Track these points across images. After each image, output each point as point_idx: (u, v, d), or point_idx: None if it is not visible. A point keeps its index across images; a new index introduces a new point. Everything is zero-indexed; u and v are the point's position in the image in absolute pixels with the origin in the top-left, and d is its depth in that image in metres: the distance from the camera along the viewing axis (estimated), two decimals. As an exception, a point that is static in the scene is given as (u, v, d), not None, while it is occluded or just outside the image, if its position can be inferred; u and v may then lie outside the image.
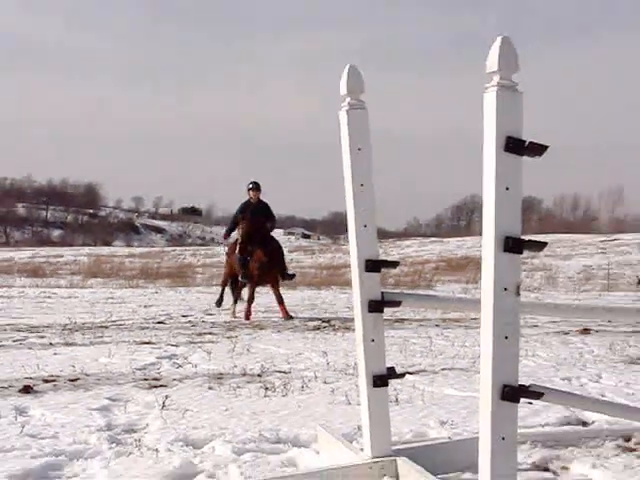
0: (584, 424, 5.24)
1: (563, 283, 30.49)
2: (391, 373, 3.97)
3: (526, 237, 3.01)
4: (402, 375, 4.25)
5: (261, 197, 14.21)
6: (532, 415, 5.40)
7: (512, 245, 2.96)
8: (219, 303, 14.93)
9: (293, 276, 14.55)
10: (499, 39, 3.03)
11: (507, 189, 2.98)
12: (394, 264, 4.03)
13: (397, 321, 12.23)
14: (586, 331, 10.79)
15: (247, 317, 13.42)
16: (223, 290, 15.11)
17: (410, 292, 7.64)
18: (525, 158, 3.04)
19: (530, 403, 5.47)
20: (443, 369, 7.35)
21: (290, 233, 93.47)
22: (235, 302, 14.37)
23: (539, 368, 7.49)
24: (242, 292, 14.58)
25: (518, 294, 3.03)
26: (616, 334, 10.47)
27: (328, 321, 12.36)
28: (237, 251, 14.13)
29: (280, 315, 13.46)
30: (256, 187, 14.09)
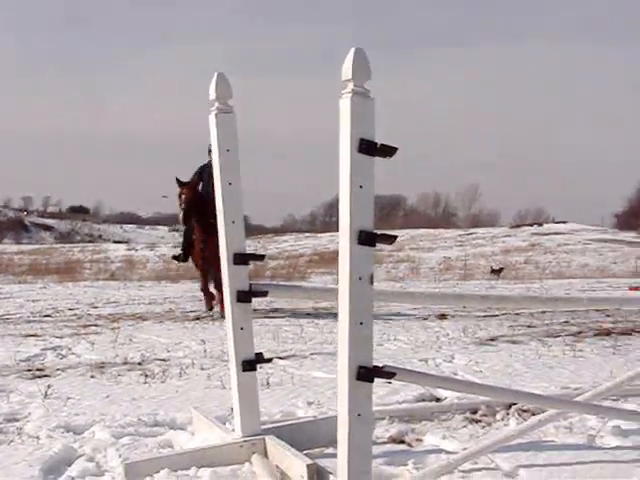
0: (437, 400, 5.38)
1: (425, 273, 31.19)
2: (259, 358, 4.00)
3: (379, 231, 3.07)
4: (270, 360, 4.29)
5: None
6: (391, 393, 5.51)
7: (365, 238, 3.00)
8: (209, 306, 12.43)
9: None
10: (352, 50, 3.07)
11: (361, 187, 3.02)
12: (260, 257, 4.05)
13: (272, 310, 12.24)
14: (443, 316, 11.06)
15: (211, 306, 12.09)
16: (206, 286, 12.31)
17: (276, 283, 7.69)
18: (378, 158, 3.10)
19: (389, 383, 5.58)
20: (312, 354, 7.42)
21: (174, 230, 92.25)
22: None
23: (400, 351, 7.65)
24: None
25: (371, 283, 3.08)
26: (469, 319, 10.77)
27: (209, 310, 12.28)
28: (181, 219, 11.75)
29: (218, 309, 11.35)
30: None
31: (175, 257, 13.10)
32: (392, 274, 29.18)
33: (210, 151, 10.27)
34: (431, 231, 64.43)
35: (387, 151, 3.11)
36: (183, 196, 11.21)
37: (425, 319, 10.78)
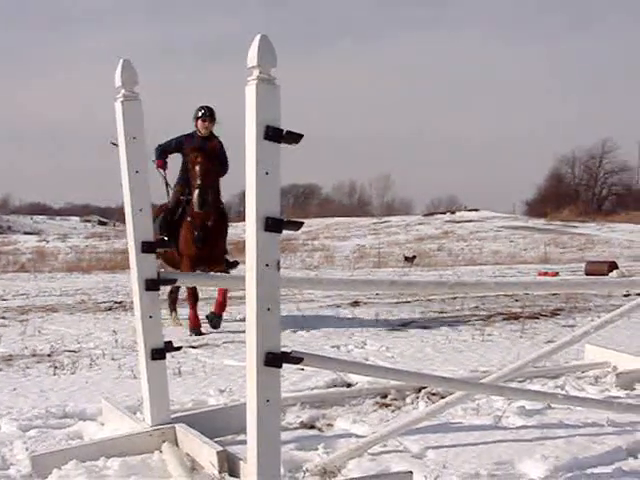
0: (349, 385, 5.44)
1: (340, 262, 31.37)
2: (169, 347, 3.99)
3: (285, 218, 3.09)
4: (179, 348, 4.28)
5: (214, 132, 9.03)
6: (304, 380, 5.56)
7: (272, 225, 3.02)
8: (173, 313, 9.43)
9: (236, 264, 8.91)
10: (258, 37, 3.08)
11: (267, 174, 3.03)
12: (169, 245, 4.04)
13: (184, 300, 12.14)
14: (356, 303, 11.17)
15: (195, 324, 8.42)
16: (172, 296, 9.54)
17: (184, 273, 7.64)
18: (284, 145, 3.12)
19: (302, 369, 5.62)
20: (225, 342, 7.42)
21: (87, 220, 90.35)
22: (174, 308, 9.41)
23: (312, 338, 7.71)
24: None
25: (278, 269, 3.10)
26: (382, 305, 10.90)
27: (120, 302, 12.10)
28: (168, 203, 8.92)
29: (212, 308, 8.94)
30: (210, 115, 8.87)
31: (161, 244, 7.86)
32: (307, 263, 29.26)
33: (199, 117, 8.81)
34: (345, 220, 64.84)
35: (293, 138, 3.13)
36: (197, 166, 8.10)
37: (338, 307, 10.86)
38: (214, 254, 8.48)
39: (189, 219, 8.29)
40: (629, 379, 5.50)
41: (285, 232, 3.14)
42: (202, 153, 8.15)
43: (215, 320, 8.63)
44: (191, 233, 8.22)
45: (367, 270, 24.58)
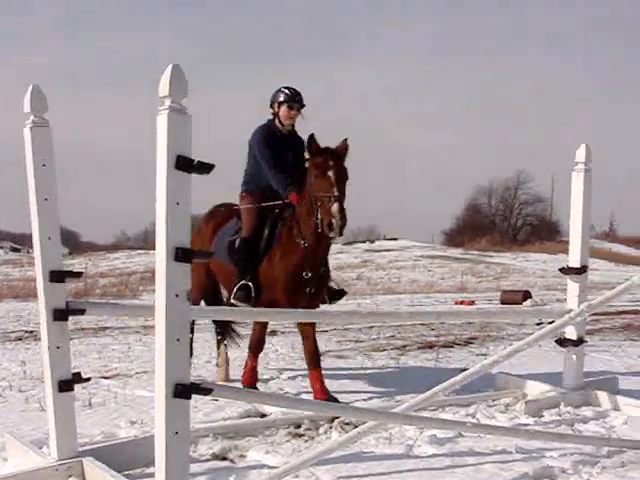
0: (263, 416, 5.43)
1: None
2: (77, 378, 3.92)
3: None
4: (88, 379, 4.20)
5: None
6: (217, 410, 5.53)
7: (181, 255, 3.02)
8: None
9: (343, 293, 6.80)
10: (170, 67, 3.09)
11: (177, 204, 3.04)
12: (78, 274, 3.98)
13: (100, 329, 11.96)
14: (273, 333, 11.14)
15: (251, 381, 6.43)
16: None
17: (94, 301, 7.53)
18: (195, 175, 3.13)
19: (216, 400, 5.59)
20: (138, 372, 7.31)
21: (16, 249, 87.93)
22: (224, 340, 7.29)
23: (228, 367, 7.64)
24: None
25: (188, 299, 3.09)
26: (299, 335, 10.83)
27: (31, 332, 11.82)
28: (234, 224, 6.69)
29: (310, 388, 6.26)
30: (298, 101, 6.44)
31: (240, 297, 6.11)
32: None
33: (283, 102, 6.33)
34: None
35: (204, 168, 3.14)
36: (330, 171, 5.87)
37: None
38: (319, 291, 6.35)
39: (303, 243, 6.03)
40: (537, 406, 5.64)
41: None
42: (332, 154, 5.97)
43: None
44: (302, 259, 6.07)
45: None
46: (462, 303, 19.99)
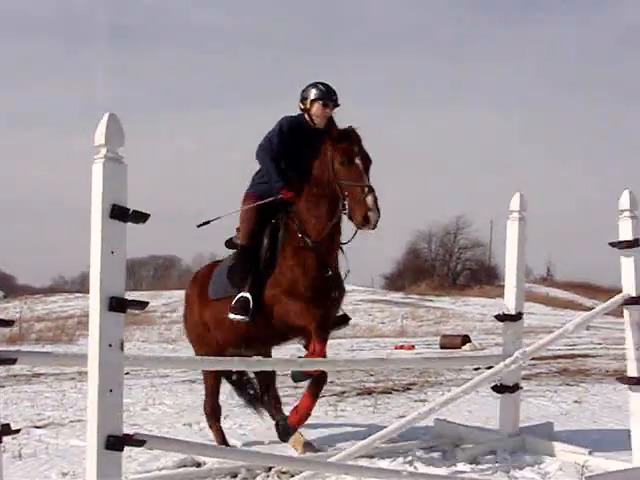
0: (199, 465, 5.35)
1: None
2: (5, 429, 3.83)
3: (129, 297, 3.08)
4: (17, 431, 4.10)
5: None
6: (152, 460, 5.42)
7: (116, 305, 3.01)
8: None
9: (347, 318, 6.08)
10: (106, 116, 3.11)
11: (112, 253, 3.03)
12: (9, 323, 3.92)
13: (34, 376, 11.74)
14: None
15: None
16: (216, 402, 6.42)
17: (27, 349, 7.39)
18: (130, 224, 3.13)
19: (151, 449, 5.50)
20: (72, 421, 7.17)
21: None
22: (277, 412, 6.45)
23: (164, 415, 7.57)
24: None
25: (122, 349, 3.07)
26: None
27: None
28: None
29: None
30: (334, 99, 5.96)
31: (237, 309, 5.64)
32: (164, 336, 28.71)
33: (317, 99, 5.78)
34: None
35: (140, 217, 3.15)
36: (357, 158, 5.53)
37: (193, 382, 10.70)
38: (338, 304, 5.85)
39: (309, 240, 5.57)
40: (473, 453, 5.66)
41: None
42: (357, 138, 5.60)
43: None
44: (318, 255, 5.54)
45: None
46: (402, 348, 20.11)
